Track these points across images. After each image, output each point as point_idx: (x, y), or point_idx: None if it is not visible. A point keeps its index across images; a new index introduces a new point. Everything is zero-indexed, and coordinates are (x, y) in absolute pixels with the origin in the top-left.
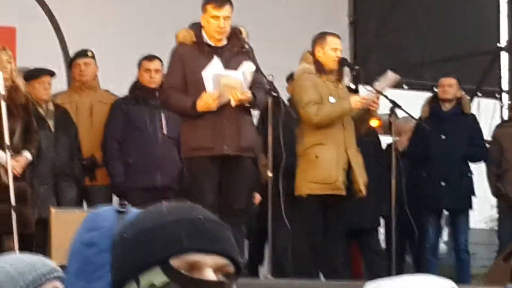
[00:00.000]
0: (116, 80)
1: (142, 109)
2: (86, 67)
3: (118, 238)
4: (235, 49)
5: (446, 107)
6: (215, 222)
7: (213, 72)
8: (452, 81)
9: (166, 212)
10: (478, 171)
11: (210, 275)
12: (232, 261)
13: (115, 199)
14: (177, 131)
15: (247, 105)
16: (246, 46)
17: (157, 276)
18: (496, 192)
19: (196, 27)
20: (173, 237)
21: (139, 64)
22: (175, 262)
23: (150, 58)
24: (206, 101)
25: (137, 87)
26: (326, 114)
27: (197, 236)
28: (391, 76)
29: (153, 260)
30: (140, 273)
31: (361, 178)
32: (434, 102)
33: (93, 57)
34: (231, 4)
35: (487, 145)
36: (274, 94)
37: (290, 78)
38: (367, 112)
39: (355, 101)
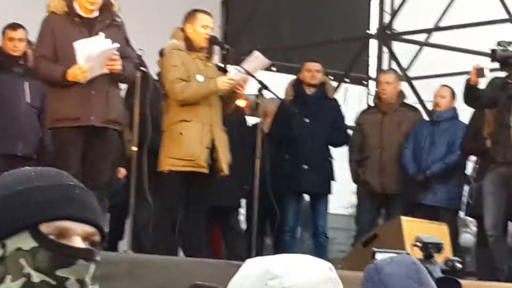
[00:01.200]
0: None
1: (4, 77)
2: None
3: None
4: (106, 21)
5: (311, 90)
6: (84, 190)
7: (88, 47)
8: (319, 66)
9: (34, 177)
10: (340, 156)
11: (79, 242)
12: (98, 230)
13: None
14: (41, 101)
15: (116, 77)
16: (117, 19)
17: (26, 241)
18: (356, 177)
19: None
20: (43, 203)
21: (3, 32)
22: (44, 228)
23: (14, 26)
24: (74, 72)
25: (0, 54)
26: (192, 92)
27: (68, 203)
28: (259, 57)
29: (22, 224)
30: (6, 237)
31: (224, 157)
32: (298, 85)
33: None
34: None
35: (349, 131)
36: (143, 69)
37: (162, 53)
38: (234, 92)
39: (222, 82)
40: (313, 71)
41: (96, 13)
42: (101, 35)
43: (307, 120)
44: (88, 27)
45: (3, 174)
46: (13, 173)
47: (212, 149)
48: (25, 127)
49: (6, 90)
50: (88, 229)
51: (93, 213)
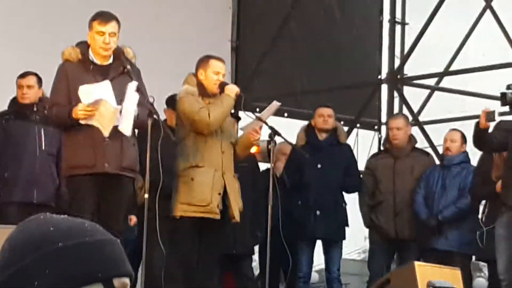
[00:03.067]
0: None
1: (20, 123)
2: None
3: (48, 245)
4: (120, 69)
5: (322, 136)
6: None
7: (95, 92)
8: (331, 111)
9: (91, 229)
10: (352, 201)
11: None
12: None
13: None
14: (56, 147)
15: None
16: (128, 66)
17: None
18: (368, 223)
19: (83, 45)
20: (114, 257)
21: (16, 81)
22: (116, 282)
23: (23, 74)
24: (76, 109)
25: (15, 102)
26: (218, 111)
27: (125, 259)
28: (274, 104)
29: (98, 276)
30: (80, 286)
31: (236, 204)
32: (309, 131)
33: None
34: (117, 21)
35: (361, 176)
36: (155, 116)
37: (169, 101)
38: (248, 139)
39: (233, 91)
40: (325, 116)
41: (110, 60)
42: (106, 82)
43: (320, 166)
44: (103, 74)
45: (33, 220)
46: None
47: (224, 195)
48: (41, 175)
49: (23, 138)
50: (127, 281)
51: (130, 267)
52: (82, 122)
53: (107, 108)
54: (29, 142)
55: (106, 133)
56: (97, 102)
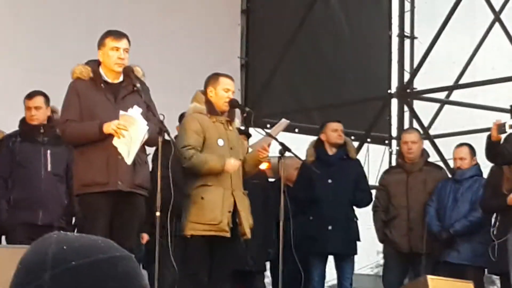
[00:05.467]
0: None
1: (27, 145)
2: None
3: (61, 264)
4: (130, 87)
5: (332, 151)
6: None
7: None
8: (341, 125)
9: (104, 245)
10: (364, 215)
11: None
12: None
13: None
14: (63, 168)
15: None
16: (137, 85)
17: None
18: (382, 238)
19: (93, 64)
20: (129, 273)
21: (24, 102)
22: None
23: (31, 95)
24: (109, 125)
25: (23, 124)
26: (198, 163)
27: (140, 275)
28: (283, 122)
29: None
30: None
31: (246, 221)
32: (319, 146)
33: None
34: (128, 40)
35: (373, 190)
36: (165, 134)
37: (181, 118)
38: (257, 156)
39: (231, 165)
40: (339, 131)
41: (120, 79)
42: (138, 109)
43: (330, 181)
44: (114, 92)
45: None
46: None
47: (234, 213)
48: (46, 196)
49: (29, 160)
50: None
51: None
52: (114, 143)
53: (139, 128)
54: (35, 164)
55: (129, 161)
56: (129, 120)
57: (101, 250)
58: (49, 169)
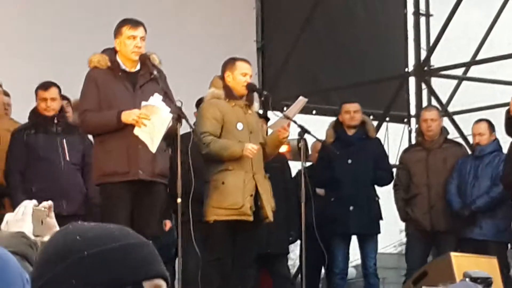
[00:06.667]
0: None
1: (42, 137)
2: None
3: (73, 254)
4: (148, 75)
5: (351, 131)
6: (152, 246)
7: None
8: (357, 106)
9: (119, 234)
10: (386, 194)
11: None
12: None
13: None
14: (80, 157)
15: None
16: (155, 72)
17: None
18: (404, 216)
19: (110, 52)
20: (143, 260)
21: (36, 93)
22: (147, 285)
23: (46, 86)
24: (129, 113)
25: (35, 115)
26: (217, 149)
27: (156, 261)
28: (301, 100)
29: (128, 280)
30: None
31: (268, 204)
32: (338, 127)
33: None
34: (144, 28)
35: (393, 169)
36: (183, 120)
37: (199, 103)
38: (278, 138)
39: (248, 150)
40: (352, 112)
41: (137, 67)
42: (159, 96)
43: (350, 161)
44: (132, 81)
45: (62, 231)
46: (92, 228)
47: (256, 197)
48: (67, 186)
49: (46, 151)
50: (163, 283)
51: (164, 267)
52: (135, 132)
53: (162, 116)
54: (53, 155)
55: (153, 149)
56: (151, 110)
57: (114, 239)
58: (67, 158)
